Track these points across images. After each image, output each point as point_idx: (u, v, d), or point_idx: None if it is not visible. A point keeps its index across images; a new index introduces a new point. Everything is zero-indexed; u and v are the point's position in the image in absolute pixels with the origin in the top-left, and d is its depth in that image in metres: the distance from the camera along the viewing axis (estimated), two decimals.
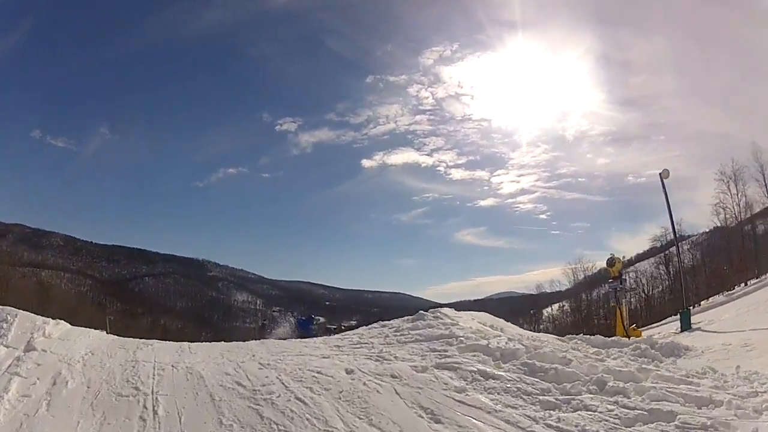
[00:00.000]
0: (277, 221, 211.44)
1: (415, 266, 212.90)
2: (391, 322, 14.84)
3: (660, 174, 24.33)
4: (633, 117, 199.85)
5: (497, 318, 15.88)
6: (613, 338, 15.63)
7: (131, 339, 13.53)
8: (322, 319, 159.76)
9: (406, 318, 14.53)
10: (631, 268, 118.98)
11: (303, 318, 22.80)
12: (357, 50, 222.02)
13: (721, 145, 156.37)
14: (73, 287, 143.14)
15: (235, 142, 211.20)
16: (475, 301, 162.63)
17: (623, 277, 20.72)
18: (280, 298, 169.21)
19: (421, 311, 14.77)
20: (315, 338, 16.56)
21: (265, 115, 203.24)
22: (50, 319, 12.17)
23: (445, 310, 14.72)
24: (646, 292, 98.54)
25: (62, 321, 12.53)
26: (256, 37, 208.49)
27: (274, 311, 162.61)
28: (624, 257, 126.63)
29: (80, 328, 12.87)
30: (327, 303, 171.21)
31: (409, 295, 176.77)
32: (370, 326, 15.53)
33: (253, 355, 11.25)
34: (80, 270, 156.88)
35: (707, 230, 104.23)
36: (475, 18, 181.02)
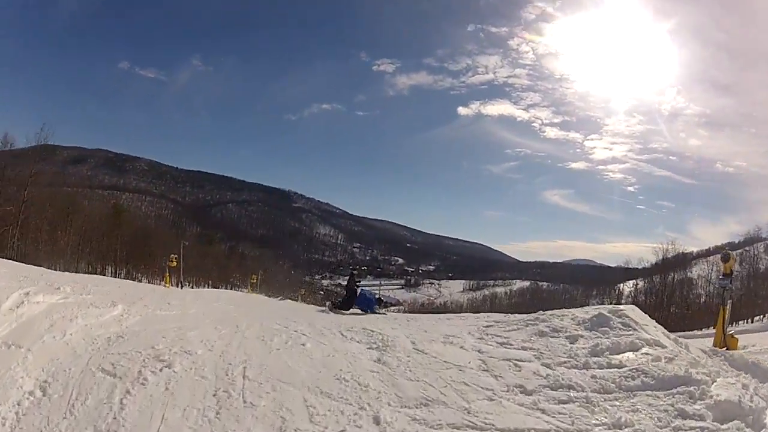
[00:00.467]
0: (367, 159, 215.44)
1: (498, 219, 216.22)
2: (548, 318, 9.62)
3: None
4: (727, 103, 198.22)
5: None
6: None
7: None
8: (400, 260, 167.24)
9: (579, 318, 9.35)
10: (709, 258, 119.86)
11: (369, 294, 19.49)
12: None
13: None
14: (155, 210, 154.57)
15: (330, 79, 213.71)
16: (553, 263, 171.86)
17: (734, 274, 17.32)
18: (363, 234, 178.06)
19: (602, 312, 9.18)
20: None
21: (362, 55, 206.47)
22: None
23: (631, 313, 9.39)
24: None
25: None
26: None
27: (354, 247, 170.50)
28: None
29: None
30: (408, 245, 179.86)
31: (489, 247, 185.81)
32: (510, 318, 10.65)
33: None
34: (162, 194, 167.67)
35: None
36: None
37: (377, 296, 19.08)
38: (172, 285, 47.08)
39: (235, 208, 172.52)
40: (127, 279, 45.80)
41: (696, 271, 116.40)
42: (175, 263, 49.26)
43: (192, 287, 62.14)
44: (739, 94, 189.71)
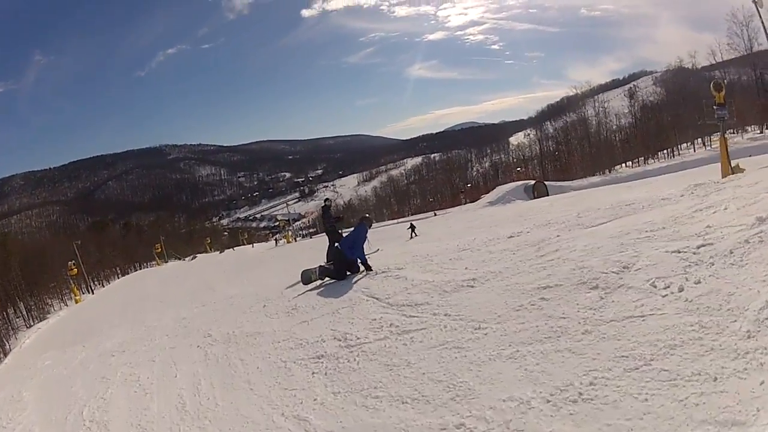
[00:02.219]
0: (227, 89, 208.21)
1: (371, 105, 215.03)
2: None
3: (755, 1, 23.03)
4: None
5: None
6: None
7: None
8: (287, 175, 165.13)
9: None
10: (596, 97, 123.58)
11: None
12: None
13: None
14: (43, 220, 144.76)
15: (170, 22, 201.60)
16: (437, 133, 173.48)
17: (728, 104, 18.37)
18: (243, 162, 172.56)
19: None
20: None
21: None
22: None
23: None
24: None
25: None
26: None
27: (239, 177, 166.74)
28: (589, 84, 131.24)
29: None
30: (290, 157, 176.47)
31: (369, 135, 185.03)
32: None
33: None
34: (46, 200, 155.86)
35: (672, 68, 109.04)
36: None
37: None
38: (82, 296, 43.39)
39: (115, 184, 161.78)
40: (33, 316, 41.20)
41: (581, 112, 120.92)
42: (75, 270, 45.30)
43: (103, 285, 57.32)
44: None
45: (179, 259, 71.79)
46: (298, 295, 11.69)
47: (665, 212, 9.76)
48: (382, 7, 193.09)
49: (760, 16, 21.43)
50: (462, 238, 13.86)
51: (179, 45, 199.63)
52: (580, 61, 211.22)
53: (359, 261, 12.09)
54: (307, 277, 12.69)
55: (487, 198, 53.94)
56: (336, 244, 12.95)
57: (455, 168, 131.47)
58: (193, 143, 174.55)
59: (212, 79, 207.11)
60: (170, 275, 39.24)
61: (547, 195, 44.88)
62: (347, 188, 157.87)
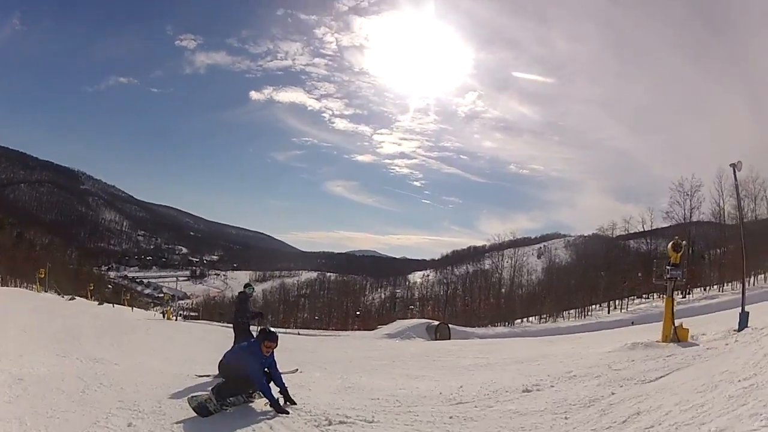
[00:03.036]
0: (155, 140, 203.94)
1: (281, 208, 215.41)
2: None
3: (733, 165, 24.20)
4: (531, 111, 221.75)
5: None
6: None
7: None
8: (184, 250, 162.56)
9: None
10: (505, 252, 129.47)
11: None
12: None
13: (616, 159, 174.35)
14: None
15: (132, 51, 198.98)
16: (338, 254, 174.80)
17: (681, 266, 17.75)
18: (147, 221, 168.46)
19: None
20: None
21: (168, 28, 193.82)
22: None
23: None
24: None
25: None
26: None
27: (139, 235, 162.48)
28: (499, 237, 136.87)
29: None
30: (191, 233, 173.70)
31: (271, 236, 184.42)
32: None
33: None
34: None
35: (587, 234, 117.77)
36: None
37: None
38: None
39: (27, 189, 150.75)
40: None
41: (487, 263, 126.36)
42: None
43: None
44: (545, 104, 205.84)
45: (58, 293, 69.87)
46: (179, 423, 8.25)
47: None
48: (324, 115, 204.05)
49: (736, 179, 23.63)
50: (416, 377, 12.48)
51: (131, 77, 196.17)
52: (494, 215, 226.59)
53: (271, 390, 8.81)
54: (203, 409, 8.67)
55: (385, 329, 52.25)
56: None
57: (350, 291, 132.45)
58: (108, 182, 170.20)
59: (148, 125, 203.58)
60: (43, 307, 36.86)
61: (449, 338, 44.66)
62: (237, 282, 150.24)
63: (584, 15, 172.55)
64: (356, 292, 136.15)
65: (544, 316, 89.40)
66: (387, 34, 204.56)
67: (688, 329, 15.99)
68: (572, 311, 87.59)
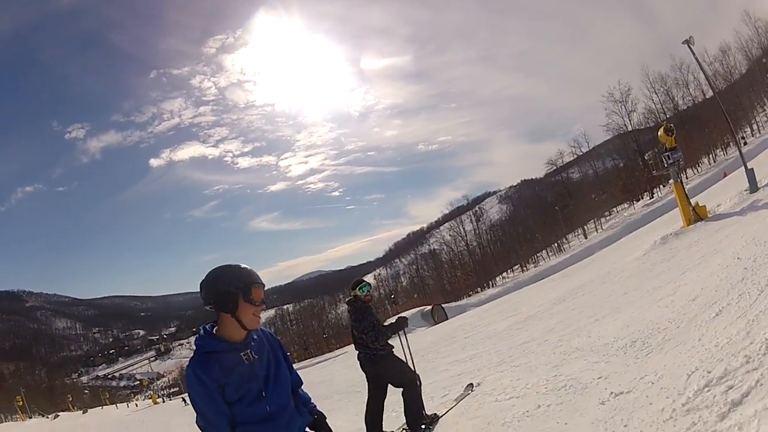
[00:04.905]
0: (78, 236, 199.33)
1: (217, 261, 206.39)
2: None
3: (687, 41, 22.82)
4: (419, 89, 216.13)
5: None
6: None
7: None
8: (141, 332, 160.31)
9: None
10: (440, 228, 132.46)
11: None
12: (140, 44, 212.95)
13: (514, 107, 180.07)
14: None
15: (27, 157, 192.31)
16: (286, 285, 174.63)
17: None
18: (97, 317, 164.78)
19: None
20: None
21: (54, 124, 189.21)
22: None
23: None
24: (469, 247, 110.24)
25: None
26: (44, 40, 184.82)
27: (94, 333, 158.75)
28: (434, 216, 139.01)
29: None
30: (142, 314, 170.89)
31: None
32: None
33: None
34: None
35: (515, 184, 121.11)
36: (255, 4, 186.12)
37: None
38: None
39: None
40: None
41: (436, 241, 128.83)
42: None
43: None
44: (431, 78, 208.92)
45: (42, 415, 69.58)
46: None
47: None
48: (225, 159, 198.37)
49: (693, 53, 22.87)
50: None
51: (36, 184, 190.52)
52: (419, 197, 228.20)
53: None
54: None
55: None
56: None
57: (315, 315, 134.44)
58: (49, 292, 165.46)
59: (68, 225, 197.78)
60: None
61: (446, 318, 42.87)
62: None
63: None
64: (320, 313, 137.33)
65: (520, 264, 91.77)
66: (261, 62, 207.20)
67: (705, 205, 16.79)
68: (541, 253, 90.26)
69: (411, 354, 7.91)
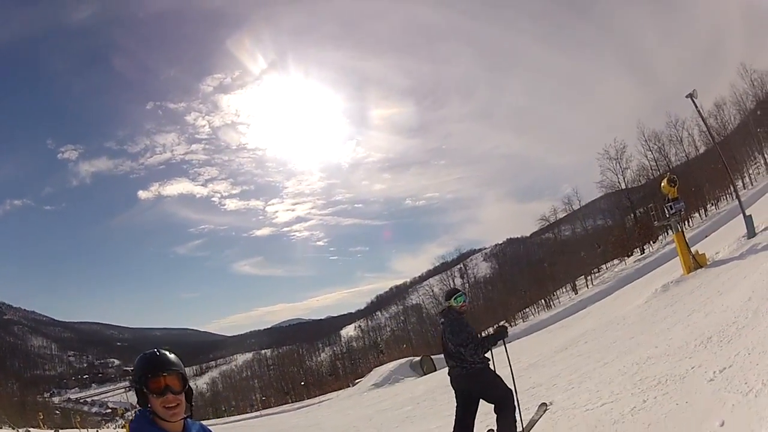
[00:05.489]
0: (62, 257, 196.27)
1: (197, 300, 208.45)
2: None
3: (691, 94, 23.30)
4: (412, 143, 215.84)
5: None
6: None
7: None
8: (117, 362, 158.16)
9: None
10: (423, 284, 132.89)
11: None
12: (141, 71, 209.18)
13: (506, 164, 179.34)
14: None
15: (20, 171, 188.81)
16: (265, 329, 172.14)
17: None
18: (73, 341, 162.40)
19: None
20: None
21: (49, 142, 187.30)
22: None
23: None
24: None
25: None
26: (48, 53, 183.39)
27: (69, 356, 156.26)
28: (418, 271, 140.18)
29: None
30: (118, 344, 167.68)
31: (195, 329, 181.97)
32: None
33: None
34: None
35: (501, 242, 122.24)
36: (255, 47, 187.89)
37: None
38: None
39: None
40: None
41: (419, 296, 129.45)
42: None
43: None
44: (426, 134, 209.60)
45: (13, 428, 68.44)
46: None
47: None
48: (213, 199, 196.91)
49: (696, 106, 23.09)
50: None
51: (25, 198, 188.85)
52: (404, 252, 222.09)
53: None
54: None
55: (367, 381, 49.88)
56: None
57: (294, 361, 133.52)
58: (27, 309, 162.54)
59: (52, 245, 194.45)
60: None
61: (435, 369, 42.19)
62: None
63: (442, 37, 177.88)
64: (300, 359, 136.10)
65: (507, 319, 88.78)
66: (256, 105, 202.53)
67: (704, 253, 17.16)
68: (529, 309, 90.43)
69: (511, 366, 7.87)
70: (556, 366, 12.36)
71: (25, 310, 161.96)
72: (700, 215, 67.98)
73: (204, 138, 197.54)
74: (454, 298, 7.47)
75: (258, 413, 62.16)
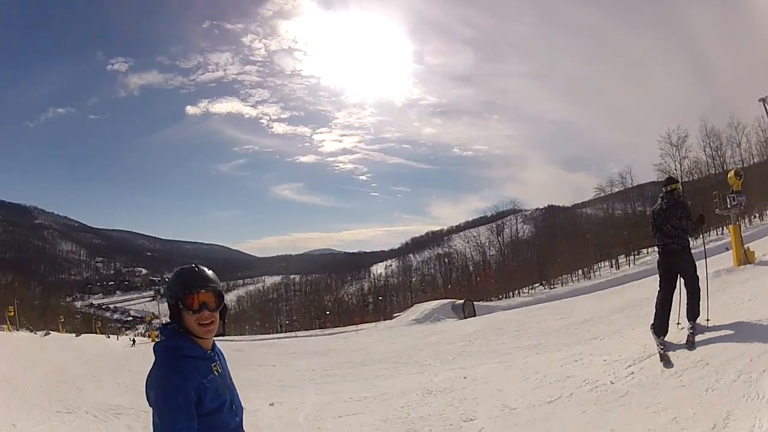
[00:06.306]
0: (101, 166, 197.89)
1: (232, 218, 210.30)
2: None
3: (764, 99, 22.46)
4: (467, 93, 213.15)
5: None
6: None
7: None
8: (144, 271, 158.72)
9: None
10: (461, 233, 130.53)
11: None
12: None
13: (557, 130, 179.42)
14: None
15: (66, 80, 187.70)
16: (297, 255, 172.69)
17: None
18: (103, 247, 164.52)
19: None
20: None
21: (99, 53, 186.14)
22: None
23: None
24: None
25: None
26: None
27: (97, 262, 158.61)
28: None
29: None
30: (148, 254, 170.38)
31: (227, 247, 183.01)
32: None
33: None
34: None
35: (541, 207, 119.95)
36: None
37: None
38: None
39: None
40: None
41: (454, 245, 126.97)
42: None
43: None
44: (480, 84, 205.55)
45: (31, 331, 66.39)
46: None
47: None
48: (261, 121, 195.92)
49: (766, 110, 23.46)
50: None
51: (69, 107, 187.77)
52: (444, 199, 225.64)
53: None
54: None
55: (408, 315, 50.64)
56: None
57: (322, 290, 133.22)
58: (60, 214, 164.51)
59: (92, 153, 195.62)
60: (21, 348, 32.67)
61: (475, 315, 43.95)
62: None
63: None
64: (329, 289, 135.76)
65: (542, 283, 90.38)
66: (314, 34, 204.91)
67: (754, 251, 17.00)
68: (566, 276, 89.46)
69: (706, 251, 9.61)
70: (617, 324, 12.78)
71: (57, 215, 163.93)
72: (744, 224, 65.64)
73: (258, 60, 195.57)
74: (675, 184, 8.78)
75: (288, 333, 60.28)
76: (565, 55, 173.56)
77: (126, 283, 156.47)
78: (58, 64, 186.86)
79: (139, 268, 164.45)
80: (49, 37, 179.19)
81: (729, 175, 17.79)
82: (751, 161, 74.70)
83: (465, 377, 10.05)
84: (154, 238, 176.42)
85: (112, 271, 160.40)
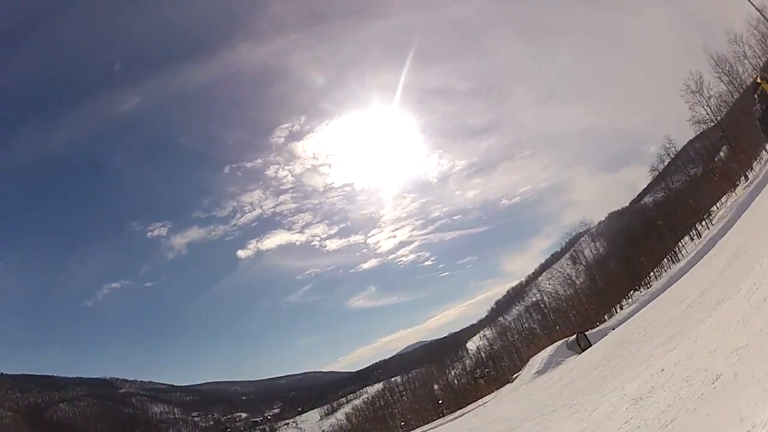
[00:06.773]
0: (172, 329, 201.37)
1: (317, 342, 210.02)
2: None
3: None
4: (492, 142, 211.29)
5: None
6: None
7: None
8: (244, 415, 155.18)
9: None
10: (541, 277, 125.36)
11: None
12: (209, 142, 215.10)
13: (585, 138, 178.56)
14: None
15: (111, 257, 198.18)
16: (391, 358, 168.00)
17: None
18: (196, 402, 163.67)
19: None
20: None
21: (135, 224, 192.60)
22: None
23: None
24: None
25: None
26: (110, 147, 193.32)
27: (194, 417, 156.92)
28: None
29: None
30: (243, 398, 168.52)
31: (320, 371, 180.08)
32: None
33: None
34: None
35: (603, 219, 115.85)
36: (315, 87, 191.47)
37: None
38: None
39: (67, 407, 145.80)
40: None
41: (543, 287, 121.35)
42: None
43: None
44: (502, 128, 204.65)
45: None
46: None
47: None
48: (313, 243, 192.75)
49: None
50: None
51: (123, 280, 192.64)
52: (512, 252, 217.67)
53: None
54: None
55: (529, 370, 49.58)
56: None
57: (428, 381, 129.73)
58: (143, 380, 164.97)
59: (158, 318, 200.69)
60: None
61: (590, 345, 43.25)
62: (310, 423, 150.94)
63: (480, 27, 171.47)
64: (434, 378, 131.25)
65: (636, 286, 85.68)
66: (331, 144, 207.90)
67: None
68: (658, 269, 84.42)
69: None
70: None
71: (140, 381, 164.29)
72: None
73: (289, 187, 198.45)
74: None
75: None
76: (557, 63, 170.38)
77: (228, 430, 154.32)
78: (98, 243, 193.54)
79: (238, 413, 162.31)
80: (79, 222, 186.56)
81: (760, 88, 15.40)
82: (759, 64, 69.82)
83: (624, 395, 9.94)
84: (246, 381, 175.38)
85: (211, 422, 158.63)
